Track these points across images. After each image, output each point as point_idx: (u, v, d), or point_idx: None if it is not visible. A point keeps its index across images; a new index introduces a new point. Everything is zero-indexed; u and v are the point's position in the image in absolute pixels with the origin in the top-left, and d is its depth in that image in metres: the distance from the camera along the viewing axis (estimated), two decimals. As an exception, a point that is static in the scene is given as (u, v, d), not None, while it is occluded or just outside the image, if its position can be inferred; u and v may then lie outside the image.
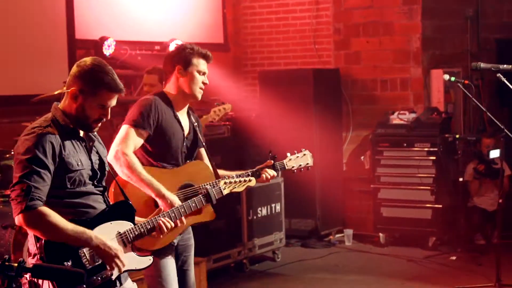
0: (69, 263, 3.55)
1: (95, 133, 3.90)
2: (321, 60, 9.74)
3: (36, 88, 7.18)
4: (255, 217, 7.92)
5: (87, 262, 3.59)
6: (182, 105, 4.71)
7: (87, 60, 3.73)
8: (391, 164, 8.80)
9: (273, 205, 8.16)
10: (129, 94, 8.70)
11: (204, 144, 4.83)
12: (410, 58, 9.18)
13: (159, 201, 4.36)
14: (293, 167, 4.94)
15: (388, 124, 8.86)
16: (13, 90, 7.34)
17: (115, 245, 3.65)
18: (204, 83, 4.65)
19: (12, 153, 6.19)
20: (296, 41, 9.96)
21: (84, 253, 3.60)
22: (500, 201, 6.72)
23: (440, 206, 8.49)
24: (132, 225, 3.83)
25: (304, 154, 4.99)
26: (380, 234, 8.78)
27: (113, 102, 3.73)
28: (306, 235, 9.03)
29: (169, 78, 4.65)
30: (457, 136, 8.54)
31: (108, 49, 7.97)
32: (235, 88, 9.97)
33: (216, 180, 4.60)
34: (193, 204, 4.30)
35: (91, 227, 3.65)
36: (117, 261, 3.63)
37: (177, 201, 4.39)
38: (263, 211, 8.03)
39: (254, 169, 4.79)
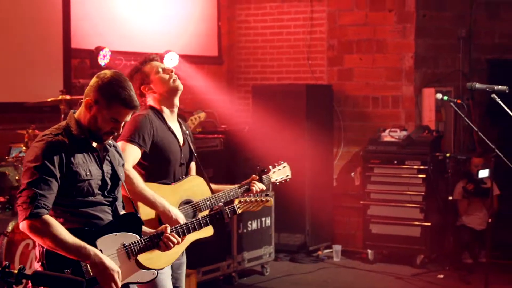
0: (69, 271, 3.55)
1: (112, 142, 3.89)
2: (314, 76, 9.80)
3: (31, 96, 7.19)
4: (245, 231, 7.94)
5: (87, 273, 3.59)
6: (172, 112, 4.64)
7: (108, 72, 3.74)
8: (381, 181, 8.83)
9: (263, 219, 8.19)
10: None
11: (195, 155, 4.78)
12: (403, 76, 9.26)
13: (163, 217, 4.33)
14: (276, 180, 4.96)
15: (379, 141, 8.91)
16: (8, 97, 7.34)
17: (113, 266, 3.61)
18: (170, 72, 4.59)
19: (8, 160, 6.22)
20: (289, 56, 10.02)
21: (85, 263, 3.59)
22: (490, 220, 6.77)
23: (429, 224, 8.53)
24: (138, 238, 3.81)
25: (284, 167, 5.02)
26: (369, 251, 8.81)
27: (127, 118, 3.73)
28: (295, 250, 9.05)
29: (145, 97, 4.59)
30: (448, 155, 8.61)
31: (103, 59, 7.99)
32: (228, 101, 10.02)
33: (221, 191, 4.61)
34: (204, 221, 4.20)
35: (96, 237, 3.65)
36: (112, 284, 3.60)
37: (181, 217, 4.36)
38: (253, 225, 8.06)
39: (243, 184, 4.75)
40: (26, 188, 3.55)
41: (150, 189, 4.37)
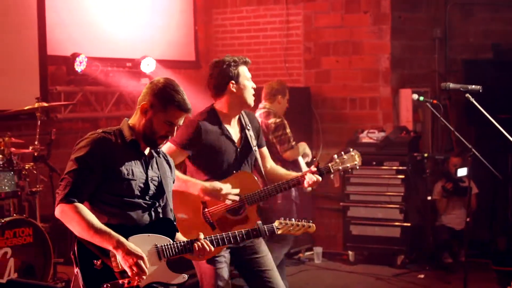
0: (98, 262, 3.69)
1: (161, 155, 4.04)
2: (291, 79, 9.81)
3: (7, 103, 7.17)
4: (225, 234, 7.91)
5: (116, 266, 3.69)
6: (234, 117, 4.95)
7: (160, 79, 3.93)
8: (360, 182, 8.86)
9: (243, 222, 8.16)
10: (100, 110, 8.70)
11: (261, 144, 5.14)
12: (379, 77, 9.29)
13: (209, 193, 4.71)
14: (339, 169, 5.10)
15: (357, 142, 8.93)
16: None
17: (138, 251, 3.69)
18: (253, 88, 4.94)
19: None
20: (266, 59, 10.03)
21: (114, 254, 3.69)
22: (468, 219, 6.80)
23: (409, 224, 8.57)
24: (171, 241, 3.90)
25: (352, 155, 5.12)
26: (349, 252, 8.83)
27: (181, 121, 3.89)
28: (275, 252, 9.03)
29: (221, 95, 4.85)
30: (426, 155, 8.65)
31: (79, 66, 7.98)
32: (206, 105, 9.98)
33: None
34: (240, 236, 4.24)
35: (129, 235, 3.75)
36: (137, 267, 3.67)
37: (218, 184, 4.70)
38: (233, 229, 8.02)
39: (294, 177, 5.04)
40: (64, 177, 3.76)
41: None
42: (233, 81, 4.81)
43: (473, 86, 5.57)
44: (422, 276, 8.17)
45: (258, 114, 7.27)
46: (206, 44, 10.37)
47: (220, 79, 4.82)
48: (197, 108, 9.58)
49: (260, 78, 10.05)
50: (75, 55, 7.95)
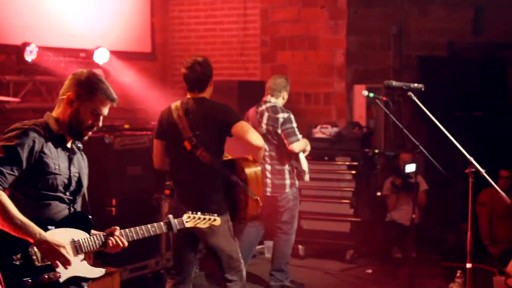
0: (18, 257, 3.65)
1: (81, 150, 4.08)
2: (247, 72, 9.81)
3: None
4: (174, 227, 7.89)
5: (36, 260, 3.68)
6: None
7: (84, 70, 4.01)
8: (312, 177, 8.82)
9: (193, 215, 8.15)
10: (51, 101, 8.62)
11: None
12: (334, 72, 9.32)
13: None
14: None
15: (310, 137, 8.92)
16: None
17: (59, 242, 3.69)
18: None
19: None
20: (223, 52, 10.02)
21: (34, 250, 3.68)
22: (414, 216, 6.83)
23: (359, 219, 8.61)
24: (87, 235, 3.93)
25: None
26: (300, 246, 8.85)
27: (106, 111, 3.94)
28: (227, 246, 9.03)
29: (206, 89, 5.74)
30: (376, 151, 8.69)
31: (30, 55, 7.87)
32: (162, 98, 9.91)
33: None
34: (153, 229, 4.27)
35: (47, 227, 3.75)
36: (61, 257, 3.68)
37: None
38: (183, 222, 8.01)
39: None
40: None
41: None
42: (212, 78, 5.74)
43: (416, 85, 5.58)
44: (370, 271, 8.22)
45: (265, 107, 7.32)
46: (162, 36, 10.33)
47: (210, 76, 5.70)
48: (151, 100, 9.61)
49: (216, 71, 9.82)
50: (25, 44, 7.85)
